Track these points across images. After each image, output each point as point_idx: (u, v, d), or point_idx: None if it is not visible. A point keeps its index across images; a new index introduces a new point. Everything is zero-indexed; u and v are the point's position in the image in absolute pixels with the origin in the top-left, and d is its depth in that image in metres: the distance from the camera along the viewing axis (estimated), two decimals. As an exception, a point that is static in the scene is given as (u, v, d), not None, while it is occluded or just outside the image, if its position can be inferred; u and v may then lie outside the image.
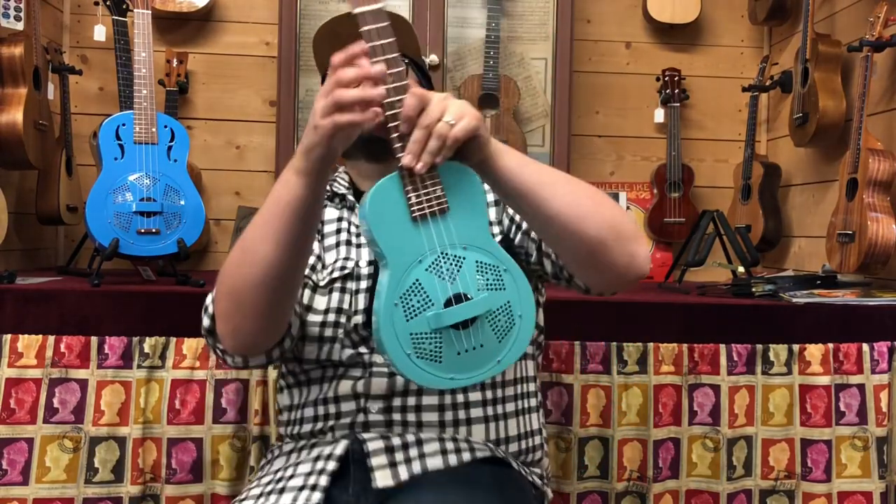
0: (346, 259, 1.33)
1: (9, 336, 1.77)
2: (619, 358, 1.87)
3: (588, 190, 1.18)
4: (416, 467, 1.21)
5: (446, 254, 1.09)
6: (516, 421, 1.34)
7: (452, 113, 1.04)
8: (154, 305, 1.84)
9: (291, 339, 1.28)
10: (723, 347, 1.90)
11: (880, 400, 1.91)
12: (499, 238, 1.32)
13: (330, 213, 1.41)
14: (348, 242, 1.36)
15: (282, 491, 1.19)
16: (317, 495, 1.17)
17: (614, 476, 1.84)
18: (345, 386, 1.28)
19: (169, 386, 1.79)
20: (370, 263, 1.32)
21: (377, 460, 1.20)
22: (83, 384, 1.77)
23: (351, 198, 1.39)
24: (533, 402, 1.40)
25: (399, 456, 1.21)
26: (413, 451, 1.22)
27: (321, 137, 1.03)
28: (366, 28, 1.05)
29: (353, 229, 1.38)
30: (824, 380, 1.90)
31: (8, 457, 1.74)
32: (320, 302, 1.30)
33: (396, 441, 1.23)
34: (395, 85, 1.05)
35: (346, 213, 1.39)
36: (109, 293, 1.85)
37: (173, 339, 1.80)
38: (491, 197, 1.35)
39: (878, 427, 1.90)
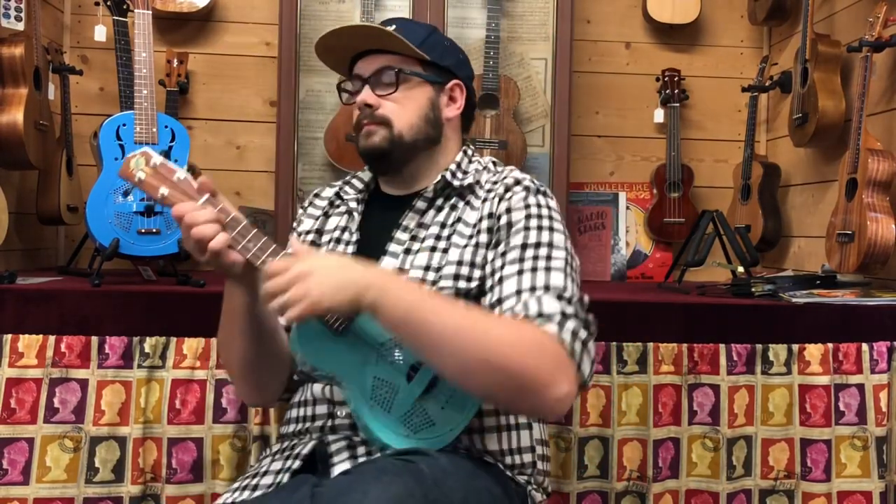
0: None
1: (9, 336, 1.77)
2: (618, 358, 1.87)
3: (481, 344, 1.10)
4: (376, 454, 1.23)
5: (382, 343, 1.19)
6: (497, 436, 1.31)
7: (300, 291, 1.09)
8: (154, 305, 1.84)
9: (293, 380, 1.42)
10: (722, 347, 1.90)
11: (880, 400, 1.91)
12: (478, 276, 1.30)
13: (332, 222, 1.44)
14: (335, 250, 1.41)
15: (255, 488, 1.26)
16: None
17: (614, 476, 1.84)
18: (317, 388, 1.34)
19: (169, 386, 1.79)
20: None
21: (339, 457, 1.24)
22: (83, 384, 1.78)
23: (353, 204, 1.43)
24: (522, 418, 1.35)
25: (360, 450, 1.25)
26: (374, 447, 1.25)
27: (212, 264, 1.18)
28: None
29: (345, 236, 1.41)
30: (824, 380, 1.90)
31: (8, 457, 1.74)
32: None
33: (357, 439, 1.27)
34: (256, 251, 1.15)
35: (344, 221, 1.43)
36: (110, 293, 1.86)
37: (174, 339, 1.81)
38: (482, 219, 1.33)
39: (878, 427, 1.90)
